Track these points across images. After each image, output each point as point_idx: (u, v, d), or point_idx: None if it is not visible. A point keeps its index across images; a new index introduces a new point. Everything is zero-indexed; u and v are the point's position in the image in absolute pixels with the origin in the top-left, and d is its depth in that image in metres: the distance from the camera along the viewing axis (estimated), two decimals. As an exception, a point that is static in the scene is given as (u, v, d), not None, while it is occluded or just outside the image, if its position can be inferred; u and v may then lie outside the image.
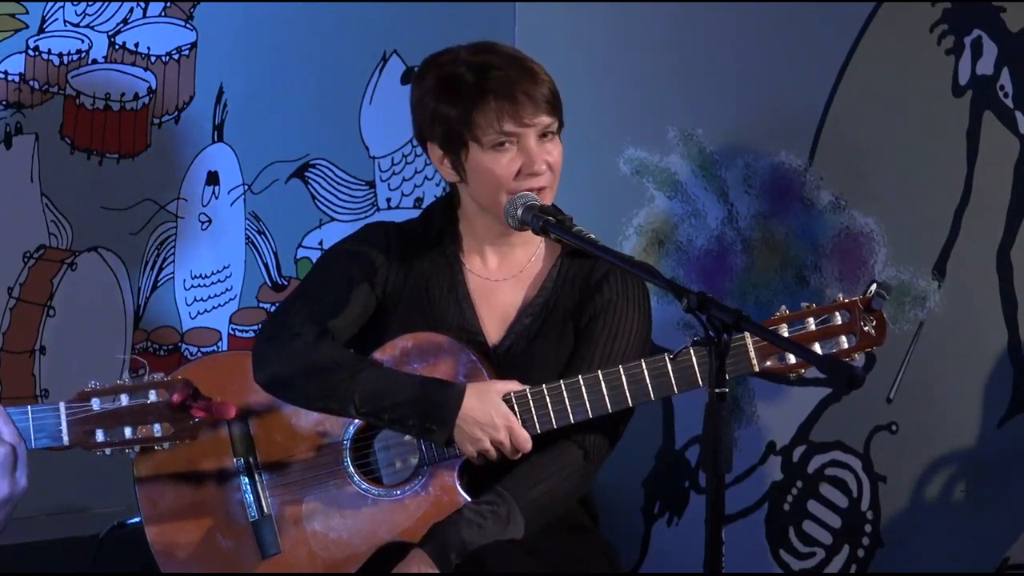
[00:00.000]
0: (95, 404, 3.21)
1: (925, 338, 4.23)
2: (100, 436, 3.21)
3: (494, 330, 3.61)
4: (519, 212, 3.45)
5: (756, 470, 4.51)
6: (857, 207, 4.34)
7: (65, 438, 3.22)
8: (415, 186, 4.74)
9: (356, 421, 3.55)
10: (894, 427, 4.31)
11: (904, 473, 4.28)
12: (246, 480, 3.57)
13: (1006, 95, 4.10)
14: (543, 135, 3.53)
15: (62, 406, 3.20)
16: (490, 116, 3.49)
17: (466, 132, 3.51)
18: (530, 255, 3.66)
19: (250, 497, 3.56)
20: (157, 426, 3.22)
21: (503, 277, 3.64)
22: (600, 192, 4.66)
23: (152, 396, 3.23)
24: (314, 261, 4.53)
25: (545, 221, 3.41)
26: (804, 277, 4.42)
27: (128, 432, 3.22)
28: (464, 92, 3.51)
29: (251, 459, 3.57)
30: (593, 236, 3.36)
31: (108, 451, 3.22)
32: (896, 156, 4.26)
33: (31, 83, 4.20)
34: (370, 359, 3.53)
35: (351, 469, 3.56)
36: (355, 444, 3.57)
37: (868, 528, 4.35)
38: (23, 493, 3.08)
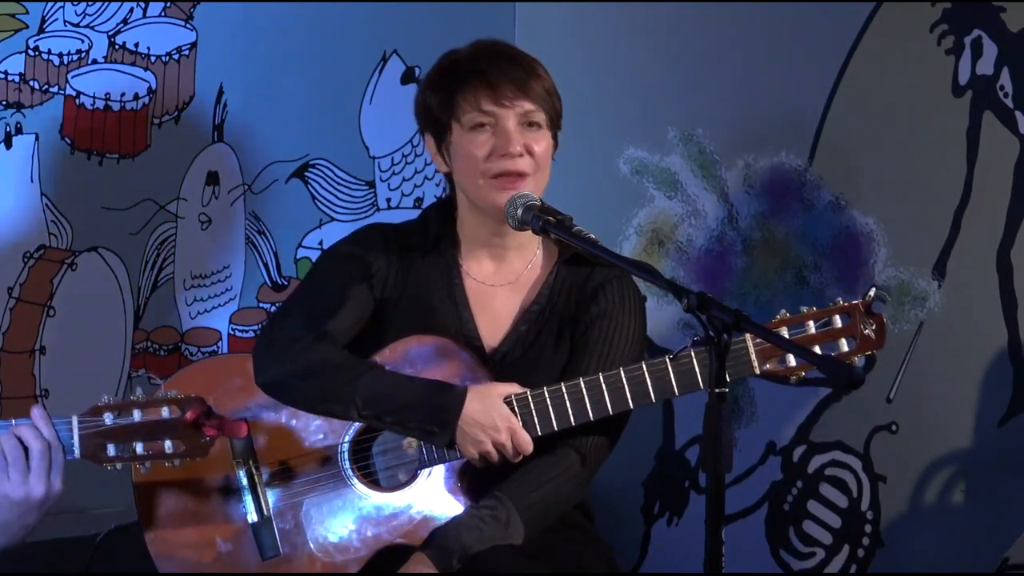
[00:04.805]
0: (107, 419, 3.23)
1: (925, 338, 4.22)
2: (111, 450, 3.23)
3: (491, 336, 3.61)
4: (519, 212, 3.43)
5: (756, 470, 4.51)
6: (857, 207, 4.34)
7: (76, 451, 3.25)
8: (415, 186, 4.74)
9: (355, 424, 3.55)
10: (894, 427, 4.31)
11: (904, 473, 4.28)
12: (246, 482, 3.56)
13: (1006, 95, 4.10)
14: (529, 124, 3.52)
15: (74, 419, 3.23)
16: (469, 95, 3.51)
17: (449, 114, 3.53)
18: (527, 262, 3.65)
19: (249, 499, 3.56)
20: (168, 442, 3.24)
21: (500, 283, 3.64)
22: (600, 192, 4.66)
23: (165, 412, 3.24)
24: (313, 262, 4.53)
25: (545, 221, 3.39)
26: (804, 277, 4.41)
27: (139, 447, 3.24)
28: (452, 77, 3.54)
29: (251, 462, 3.57)
30: (593, 236, 3.35)
31: (119, 466, 3.24)
32: (896, 156, 4.26)
33: (31, 83, 4.19)
34: (371, 362, 3.53)
35: (350, 471, 3.56)
36: (354, 447, 3.57)
37: (868, 528, 4.35)
38: (57, 497, 3.13)
